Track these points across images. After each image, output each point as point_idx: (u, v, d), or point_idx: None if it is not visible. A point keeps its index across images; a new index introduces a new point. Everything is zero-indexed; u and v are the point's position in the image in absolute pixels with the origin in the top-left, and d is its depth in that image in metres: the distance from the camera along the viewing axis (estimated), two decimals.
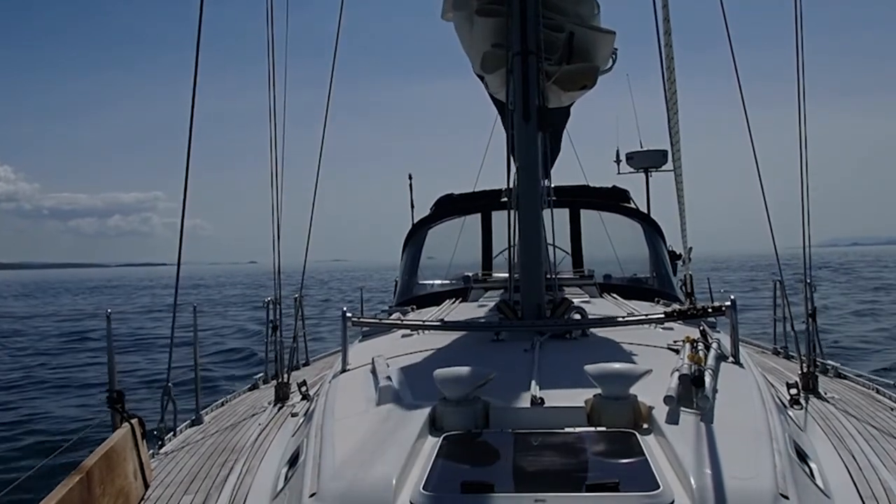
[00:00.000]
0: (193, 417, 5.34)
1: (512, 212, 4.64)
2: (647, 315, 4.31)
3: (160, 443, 4.67)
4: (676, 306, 5.35)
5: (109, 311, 4.77)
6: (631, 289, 7.21)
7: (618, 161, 14.32)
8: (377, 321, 5.01)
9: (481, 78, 6.01)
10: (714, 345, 3.43)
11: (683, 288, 8.32)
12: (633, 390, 2.65)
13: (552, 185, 5.33)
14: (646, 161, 13.87)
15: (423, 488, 2.14)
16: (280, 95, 5.20)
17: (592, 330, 4.15)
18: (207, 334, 21.78)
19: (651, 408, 2.61)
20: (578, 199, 8.05)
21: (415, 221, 8.53)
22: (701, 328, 3.86)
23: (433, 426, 2.65)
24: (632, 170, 14.14)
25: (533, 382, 2.90)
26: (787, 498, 2.11)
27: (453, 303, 6.55)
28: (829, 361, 6.09)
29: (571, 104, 6.64)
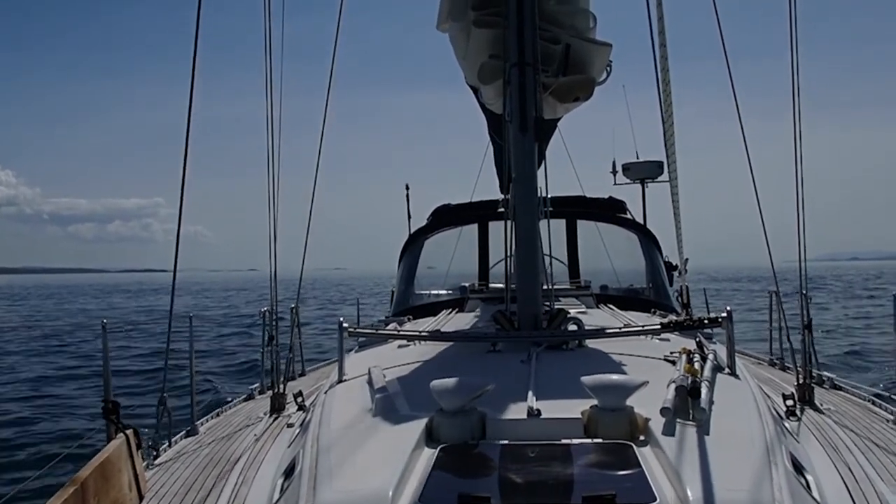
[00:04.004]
0: (189, 428, 5.32)
1: (508, 222, 4.64)
2: (643, 326, 4.31)
3: (155, 453, 4.65)
4: (673, 317, 5.36)
5: (105, 321, 4.75)
6: (627, 300, 7.21)
7: (614, 172, 14.35)
8: (374, 331, 5.01)
9: (473, 89, 6.03)
10: (710, 356, 3.43)
11: (679, 299, 8.33)
12: (629, 402, 2.64)
13: (547, 196, 5.36)
14: (642, 172, 13.90)
15: (420, 500, 2.14)
16: (277, 102, 5.21)
17: (589, 341, 4.15)
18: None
19: (648, 419, 2.61)
20: (575, 209, 8.06)
21: (412, 231, 8.54)
22: (697, 339, 3.87)
23: (429, 437, 2.64)
24: (628, 181, 14.18)
25: (529, 393, 2.89)
26: None
27: (450, 313, 6.54)
28: (825, 373, 6.10)
29: (559, 119, 6.68)
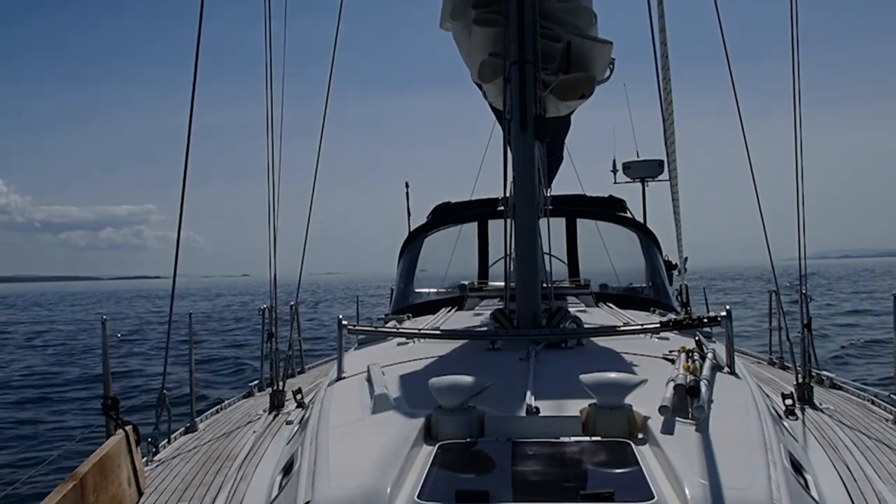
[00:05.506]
0: (188, 425, 5.32)
1: (508, 220, 4.64)
2: (642, 325, 4.31)
3: (154, 450, 4.66)
4: (672, 316, 5.36)
5: (105, 317, 4.76)
6: (627, 298, 7.22)
7: (614, 171, 14.36)
8: (373, 329, 5.01)
9: (479, 86, 6.04)
10: (709, 355, 3.44)
11: (679, 298, 8.34)
12: (628, 400, 2.65)
13: (548, 195, 5.35)
14: (642, 171, 13.91)
15: (418, 497, 2.13)
16: (278, 107, 5.22)
17: (588, 339, 4.15)
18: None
19: (646, 418, 2.61)
20: (575, 208, 8.06)
21: (411, 230, 8.54)
22: (696, 338, 3.87)
23: (428, 435, 2.64)
24: (628, 179, 14.18)
25: (528, 392, 2.89)
26: None
27: (449, 311, 6.55)
28: (825, 372, 6.10)
29: (571, 114, 6.67)
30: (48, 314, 54.15)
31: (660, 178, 13.59)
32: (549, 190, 9.01)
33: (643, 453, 2.40)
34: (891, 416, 4.75)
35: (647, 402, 2.65)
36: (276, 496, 2.83)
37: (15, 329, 37.19)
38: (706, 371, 3.11)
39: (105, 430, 4.09)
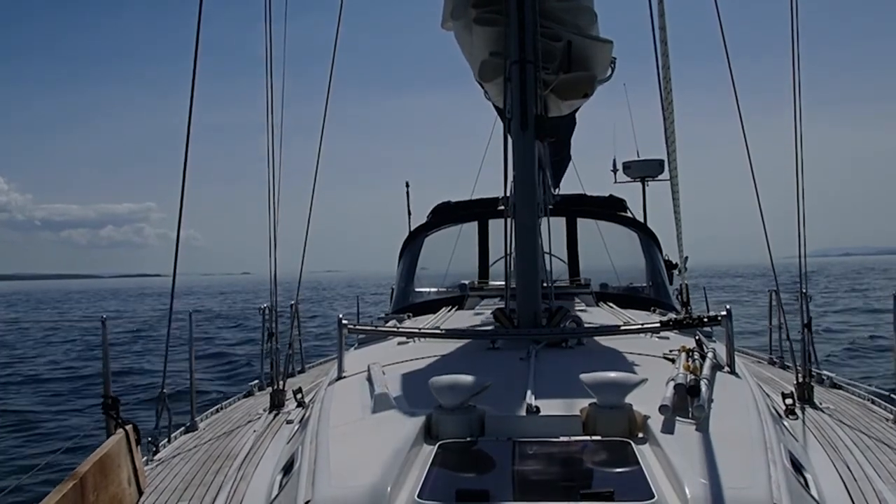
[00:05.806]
0: (188, 424, 5.32)
1: (508, 220, 4.64)
2: (642, 324, 4.31)
3: (154, 449, 4.66)
4: (672, 315, 5.36)
5: (104, 316, 4.76)
6: (627, 298, 7.22)
7: (615, 170, 14.36)
8: (373, 328, 5.01)
9: (482, 85, 6.04)
10: (710, 354, 3.44)
11: (679, 297, 8.34)
12: (628, 399, 2.64)
13: (556, 194, 5.35)
14: (642, 170, 13.91)
15: (418, 496, 2.13)
16: (278, 107, 5.21)
17: (588, 339, 4.15)
18: None
19: (646, 417, 2.61)
20: (575, 207, 8.06)
21: (412, 229, 8.54)
22: (696, 338, 3.87)
23: (428, 434, 2.64)
24: (628, 179, 14.18)
25: (529, 391, 2.89)
26: None
27: (449, 311, 6.55)
28: (825, 372, 6.10)
29: (575, 112, 6.66)
30: (58, 312, 54.63)
31: (660, 177, 13.60)
32: (557, 189, 9.03)
33: (643, 453, 2.40)
34: (891, 416, 4.74)
35: (647, 401, 2.65)
36: (277, 496, 2.83)
37: (29, 326, 37.74)
38: (706, 370, 3.11)
39: (105, 429, 4.10)
